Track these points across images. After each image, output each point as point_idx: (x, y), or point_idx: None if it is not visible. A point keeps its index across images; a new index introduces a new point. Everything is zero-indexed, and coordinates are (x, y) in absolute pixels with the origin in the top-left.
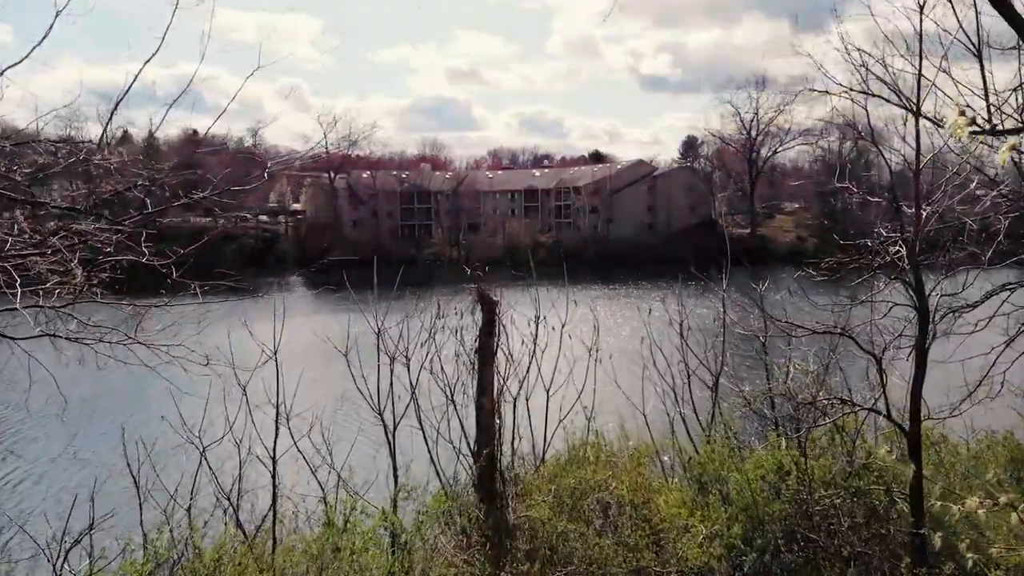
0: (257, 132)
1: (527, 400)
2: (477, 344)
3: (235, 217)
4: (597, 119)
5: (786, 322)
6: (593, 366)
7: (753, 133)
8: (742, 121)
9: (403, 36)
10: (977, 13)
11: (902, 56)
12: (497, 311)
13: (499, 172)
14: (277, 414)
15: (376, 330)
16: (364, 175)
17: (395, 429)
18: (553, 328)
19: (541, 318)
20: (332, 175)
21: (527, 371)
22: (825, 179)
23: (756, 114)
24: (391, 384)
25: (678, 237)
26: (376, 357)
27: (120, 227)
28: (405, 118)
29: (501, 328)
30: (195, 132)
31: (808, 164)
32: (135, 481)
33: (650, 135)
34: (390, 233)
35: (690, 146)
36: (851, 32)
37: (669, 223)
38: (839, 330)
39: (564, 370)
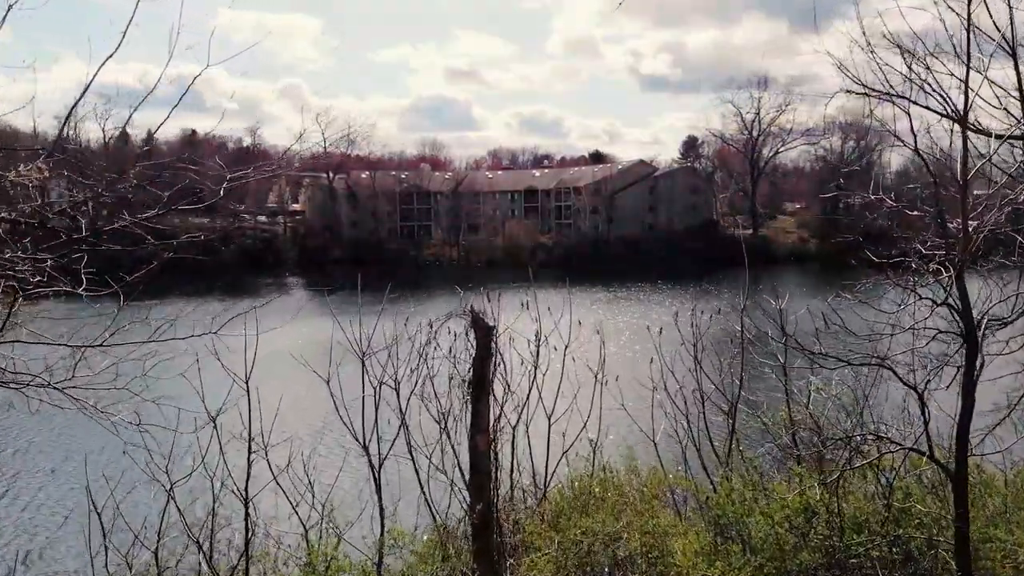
0: (256, 132)
1: (527, 427)
2: (471, 374)
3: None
4: (597, 119)
5: (820, 353)
6: (599, 391)
7: (754, 133)
8: (743, 121)
9: (403, 36)
10: (1011, 9)
11: (933, 55)
12: (493, 336)
13: (499, 172)
14: (249, 450)
15: (360, 355)
16: (363, 175)
17: (380, 466)
18: (555, 348)
19: (543, 339)
20: (331, 175)
21: (527, 397)
22: (829, 180)
23: (758, 114)
24: (376, 414)
25: (679, 238)
26: (362, 380)
27: (41, 255)
28: (405, 118)
29: (498, 354)
30: (194, 132)
31: (810, 164)
32: (99, 520)
33: (650, 135)
34: (389, 234)
35: (690, 146)
36: (848, 32)
37: (670, 224)
38: (877, 360)
39: (566, 393)
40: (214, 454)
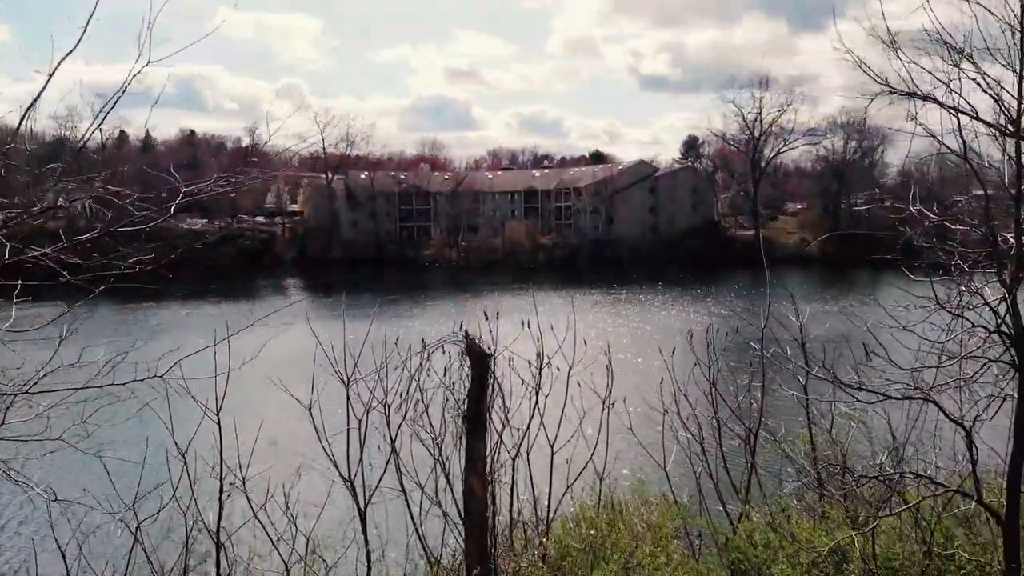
0: (255, 132)
1: (528, 454)
2: (465, 406)
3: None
4: (597, 119)
5: (858, 387)
6: (606, 416)
7: (756, 133)
8: (745, 121)
9: (402, 36)
10: None
11: (967, 58)
12: (490, 365)
13: (499, 172)
14: (220, 489)
15: (345, 382)
16: (362, 176)
17: (367, 503)
18: (558, 369)
19: (545, 361)
20: (330, 176)
21: (528, 423)
22: (831, 180)
23: (759, 114)
24: (361, 444)
25: (680, 239)
26: (347, 410)
27: None
28: (405, 118)
29: (496, 383)
30: (192, 133)
31: (811, 164)
32: (63, 560)
33: (650, 135)
34: (388, 235)
35: (691, 146)
36: (848, 32)
37: (671, 224)
38: (921, 393)
39: (570, 415)
40: (188, 488)
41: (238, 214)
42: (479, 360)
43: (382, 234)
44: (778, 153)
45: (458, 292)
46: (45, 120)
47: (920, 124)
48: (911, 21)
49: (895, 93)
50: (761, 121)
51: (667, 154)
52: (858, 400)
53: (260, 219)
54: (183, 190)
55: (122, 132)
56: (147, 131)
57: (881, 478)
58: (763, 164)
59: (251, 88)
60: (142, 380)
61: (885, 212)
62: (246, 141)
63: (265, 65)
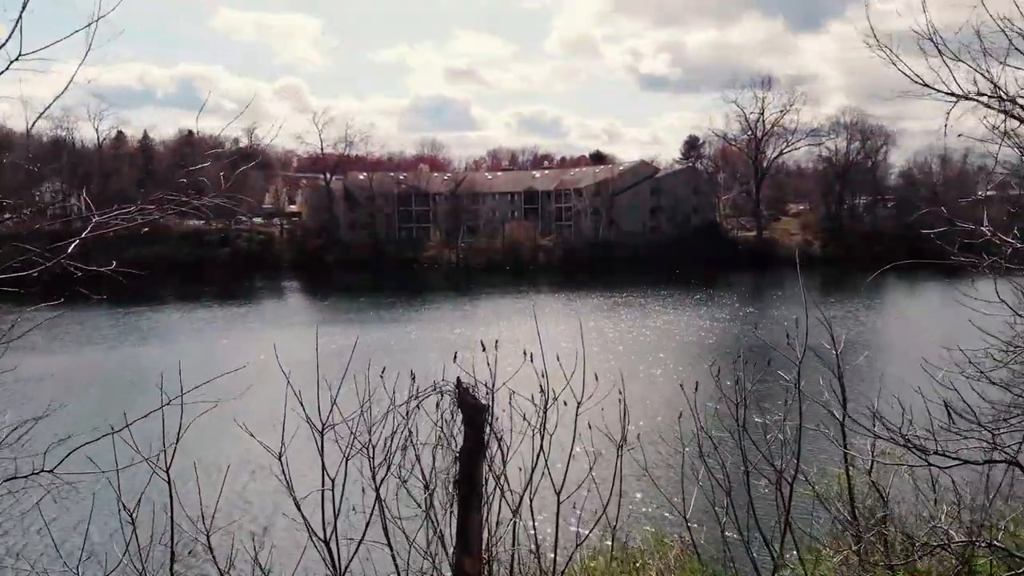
0: (253, 132)
1: (531, 500)
2: (456, 467)
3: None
4: (596, 119)
5: (934, 453)
6: (620, 458)
7: (758, 133)
8: (747, 121)
9: (402, 36)
10: None
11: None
12: (487, 418)
13: (498, 173)
14: (172, 557)
15: (320, 430)
16: (361, 176)
17: (345, 569)
18: (565, 403)
19: (551, 398)
20: (328, 176)
21: (531, 472)
22: (833, 180)
23: (762, 114)
24: (337, 498)
25: (681, 239)
26: (322, 462)
27: None
28: (404, 118)
29: (495, 439)
30: (191, 133)
31: (812, 165)
32: None
33: (649, 135)
34: (387, 236)
35: (692, 146)
36: (847, 32)
37: (672, 225)
38: (1004, 454)
39: (578, 455)
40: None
41: (236, 215)
42: (475, 413)
43: (381, 235)
44: (781, 153)
45: (457, 295)
46: (42, 120)
47: (1008, 134)
48: (903, 22)
49: (973, 100)
50: (763, 121)
51: (667, 154)
52: (930, 464)
53: (258, 220)
54: (94, 219)
55: (120, 132)
56: (144, 132)
57: (948, 547)
58: (765, 164)
59: (250, 88)
60: (32, 475)
61: (891, 215)
62: (244, 141)
63: (265, 65)
